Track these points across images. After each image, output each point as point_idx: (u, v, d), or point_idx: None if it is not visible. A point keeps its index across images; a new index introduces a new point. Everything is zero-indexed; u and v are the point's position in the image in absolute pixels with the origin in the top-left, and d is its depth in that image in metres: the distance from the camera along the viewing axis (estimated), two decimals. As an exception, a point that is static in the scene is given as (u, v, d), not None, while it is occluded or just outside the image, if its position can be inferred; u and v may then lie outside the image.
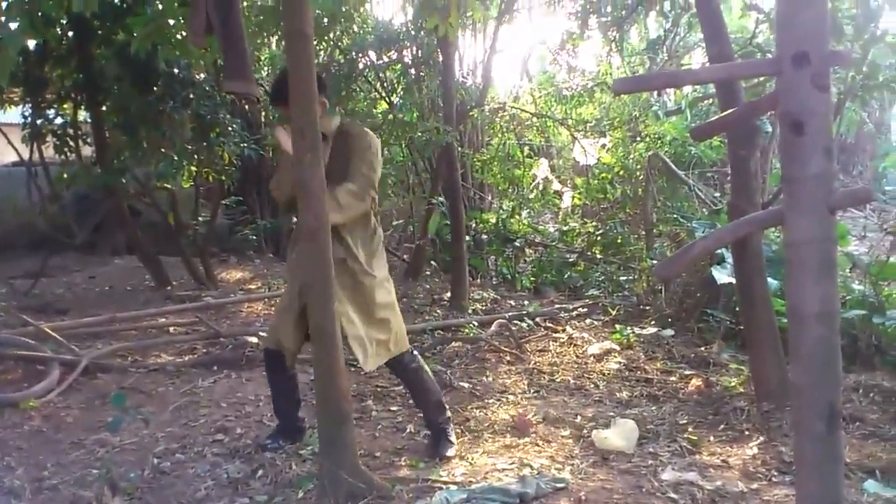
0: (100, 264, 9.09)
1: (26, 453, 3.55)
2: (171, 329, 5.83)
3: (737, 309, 5.14)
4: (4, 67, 2.93)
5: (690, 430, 3.80)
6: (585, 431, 3.81)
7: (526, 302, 7.01)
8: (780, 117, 1.78)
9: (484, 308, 6.79)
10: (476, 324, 5.86)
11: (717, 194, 8.04)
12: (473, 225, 8.60)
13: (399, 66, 8.54)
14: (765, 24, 6.40)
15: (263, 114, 9.85)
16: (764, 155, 6.37)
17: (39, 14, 3.16)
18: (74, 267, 8.84)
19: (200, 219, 8.39)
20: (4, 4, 3.13)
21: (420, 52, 8.30)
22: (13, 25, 2.94)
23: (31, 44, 6.25)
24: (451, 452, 3.51)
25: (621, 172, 8.52)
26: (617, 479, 3.23)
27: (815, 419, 1.69)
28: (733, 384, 4.44)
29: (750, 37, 6.55)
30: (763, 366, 4.02)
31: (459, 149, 8.02)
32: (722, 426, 3.85)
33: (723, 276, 5.19)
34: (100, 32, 6.69)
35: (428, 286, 7.61)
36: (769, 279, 4.26)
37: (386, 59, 8.48)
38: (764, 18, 6.14)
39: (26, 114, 7.17)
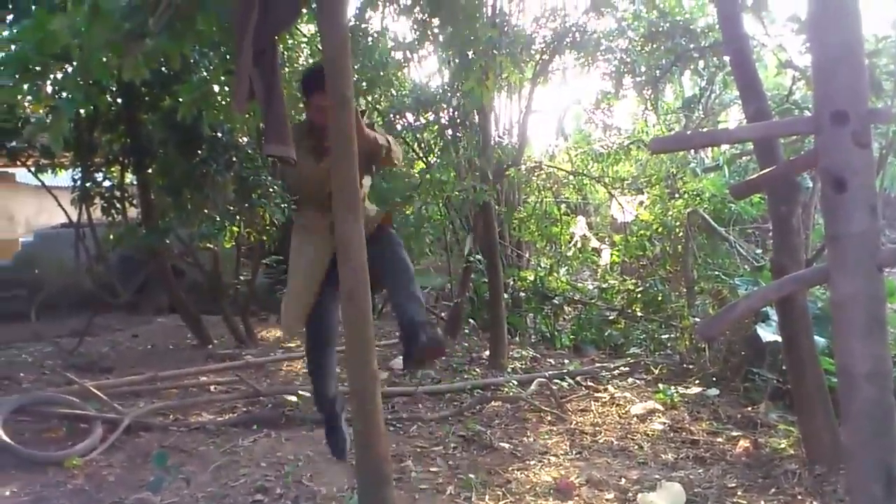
0: (143, 323, 9.25)
1: (69, 512, 3.57)
2: (212, 388, 5.87)
3: (783, 367, 5.01)
4: (58, 134, 3.05)
5: (740, 493, 3.69)
6: (630, 495, 3.71)
7: (566, 360, 6.94)
8: (821, 175, 1.77)
9: (523, 367, 6.73)
10: (516, 383, 5.80)
11: (759, 251, 7.94)
12: (511, 283, 8.59)
13: (436, 126, 8.69)
14: (801, 81, 6.40)
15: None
16: (806, 210, 6.30)
17: (91, 83, 3.28)
18: (118, 326, 9.01)
19: (241, 278, 8.51)
20: (59, 74, 3.29)
21: (457, 112, 8.45)
22: (67, 94, 3.08)
23: (82, 110, 6.50)
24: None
25: (660, 229, 8.48)
26: (663, 544, 3.13)
27: (871, 483, 1.63)
28: (783, 446, 4.30)
29: (787, 94, 6.55)
30: (814, 427, 3.90)
31: (496, 207, 8.08)
32: (773, 490, 3.72)
33: (768, 333, 5.08)
34: (147, 99, 6.94)
35: (466, 344, 7.57)
36: (816, 337, 4.16)
37: (423, 121, 8.64)
38: (800, 76, 6.14)
39: (76, 177, 7.42)
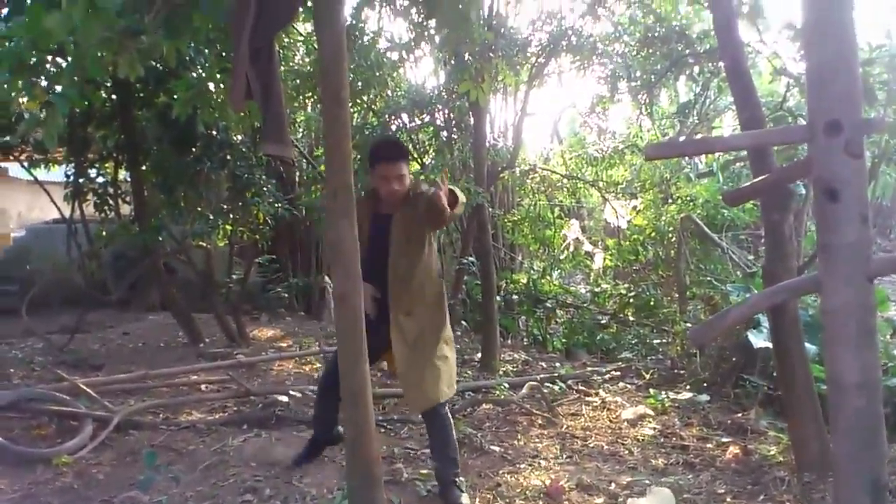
0: (134, 320, 9.22)
1: (57, 510, 3.56)
2: (203, 387, 5.84)
3: (774, 374, 5.03)
4: (52, 130, 3.04)
5: (729, 500, 3.69)
6: (620, 499, 3.72)
7: (557, 364, 6.94)
8: (814, 184, 1.78)
9: (515, 370, 6.73)
10: (507, 386, 5.81)
11: (751, 257, 7.97)
12: (504, 285, 8.60)
13: (431, 128, 8.70)
14: (795, 88, 6.42)
15: (298, 174, 10.06)
16: (798, 218, 6.32)
17: (86, 79, 3.27)
18: (109, 323, 8.97)
19: (234, 277, 8.50)
20: (54, 71, 3.28)
21: (452, 114, 8.46)
22: (61, 89, 3.08)
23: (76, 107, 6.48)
24: (465, 500, 3.57)
25: (653, 234, 8.51)
26: (652, 550, 3.14)
27: (859, 493, 1.64)
28: (772, 453, 4.31)
29: (781, 101, 6.57)
30: (803, 435, 3.91)
31: (490, 210, 8.09)
32: (761, 497, 3.73)
33: (759, 340, 5.10)
34: (142, 95, 6.92)
35: (458, 346, 7.56)
36: (807, 344, 4.18)
37: (418, 122, 8.65)
38: (794, 83, 6.17)
39: (69, 172, 7.40)
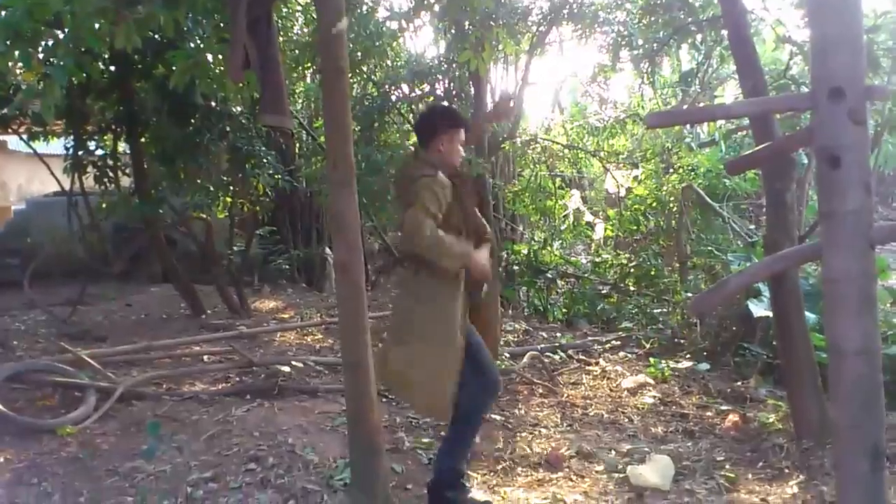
0: (136, 292, 9.24)
1: (63, 479, 3.59)
2: (206, 357, 5.88)
3: (774, 343, 5.05)
4: (50, 102, 3.02)
5: (728, 467, 3.73)
6: (620, 467, 3.75)
7: (558, 334, 6.97)
8: (816, 152, 1.77)
9: (516, 340, 6.76)
10: (508, 355, 5.83)
11: (753, 226, 7.96)
12: (505, 256, 8.60)
13: (431, 98, 8.64)
14: (798, 56, 6.36)
15: (298, 145, 10.02)
16: (800, 187, 6.30)
17: (83, 50, 3.24)
18: (111, 295, 8.99)
19: (235, 248, 8.50)
20: (51, 42, 3.25)
21: (452, 84, 8.40)
22: (58, 60, 3.05)
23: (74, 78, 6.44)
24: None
25: (654, 204, 8.49)
26: (652, 516, 3.18)
27: (858, 459, 1.66)
28: (771, 420, 4.35)
29: (784, 69, 6.51)
30: (802, 402, 3.94)
31: (491, 180, 8.06)
32: (760, 464, 3.77)
33: (759, 309, 5.11)
34: (140, 66, 6.86)
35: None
36: (807, 313, 4.19)
37: (418, 92, 8.59)
38: (797, 51, 6.11)
39: (68, 145, 7.35)
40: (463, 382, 3.24)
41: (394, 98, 8.57)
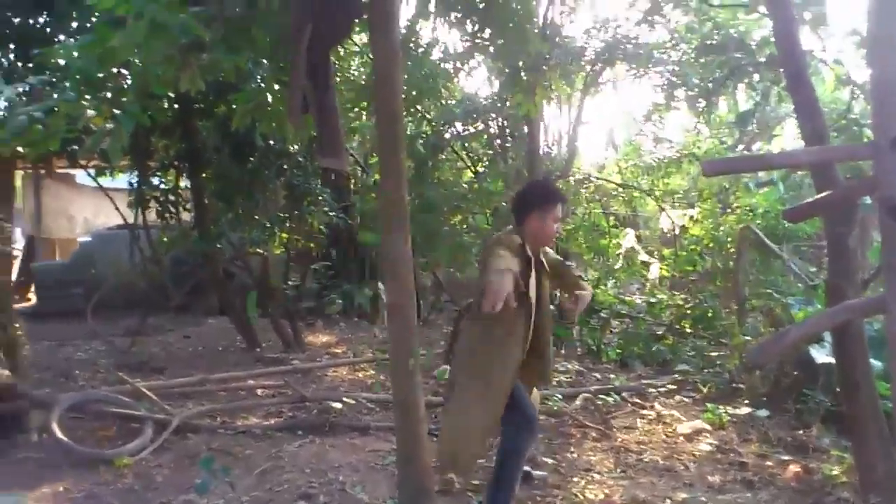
0: (193, 325, 9.45)
1: (118, 511, 3.66)
2: (259, 391, 5.96)
3: (837, 390, 4.87)
4: (117, 145, 3.14)
5: (788, 520, 3.59)
6: (674, 517, 3.65)
7: (612, 375, 6.86)
8: (878, 202, 1.73)
9: (569, 380, 6.67)
10: (560, 397, 5.76)
11: (814, 269, 7.75)
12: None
13: (485, 136, 8.72)
14: (861, 96, 6.23)
15: (353, 182, 10.18)
16: (864, 229, 6.12)
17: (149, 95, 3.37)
18: (169, 326, 9.21)
19: (290, 283, 8.64)
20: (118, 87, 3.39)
21: (506, 122, 8.46)
22: (125, 107, 3.17)
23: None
24: None
25: (711, 244, 8.34)
26: (708, 570, 3.07)
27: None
28: (835, 472, 4.17)
29: (845, 109, 6.38)
30: (868, 454, 3.77)
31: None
32: (823, 518, 3.62)
33: (821, 355, 4.95)
34: (202, 106, 7.10)
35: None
36: (872, 360, 4.03)
37: (472, 130, 8.67)
38: (859, 91, 5.98)
39: (132, 180, 7.62)
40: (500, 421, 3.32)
41: (448, 136, 8.67)
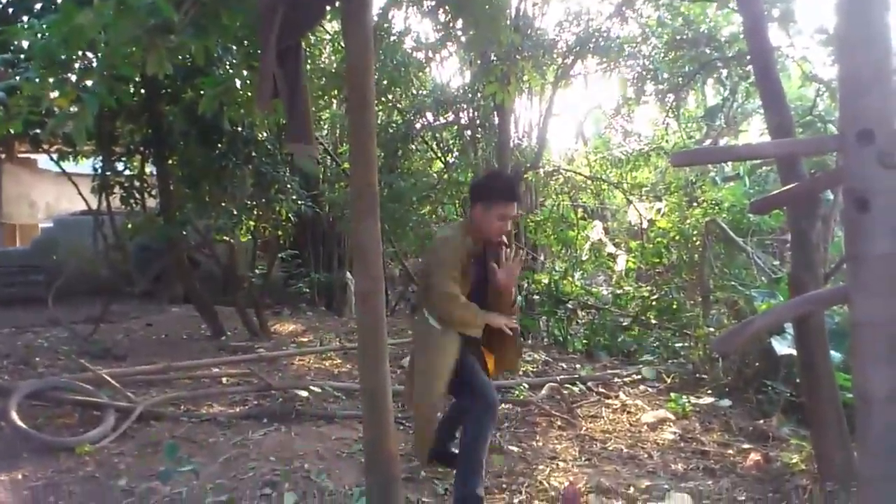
0: (158, 312, 9.33)
1: (79, 498, 3.60)
2: (224, 379, 5.90)
3: (797, 381, 4.97)
4: (81, 127, 3.07)
5: (749, 507, 3.66)
6: (638, 504, 3.70)
7: (578, 365, 6.92)
8: (844, 194, 1.76)
9: (535, 370, 6.72)
10: (527, 386, 5.79)
11: (777, 262, 7.88)
12: (526, 285, 8.58)
13: (455, 127, 8.71)
14: (825, 93, 6.35)
15: (322, 171, 10.11)
16: (825, 223, 6.24)
17: (115, 76, 3.31)
18: (133, 314, 9.09)
19: (257, 271, 8.56)
20: (83, 67, 3.31)
21: (476, 113, 8.45)
22: (91, 85, 3.11)
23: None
24: None
25: (677, 237, 8.44)
26: (670, 556, 3.12)
27: (885, 508, 1.62)
28: (794, 461, 4.27)
29: (811, 106, 6.50)
30: (827, 443, 3.85)
31: (513, 209, 8.06)
32: (782, 505, 3.69)
33: (783, 346, 5.04)
34: (169, 91, 6.99)
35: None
36: (832, 352, 4.11)
37: (443, 120, 8.66)
38: (824, 89, 6.09)
39: (97, 165, 7.48)
40: (463, 408, 3.64)
41: (418, 126, 8.64)
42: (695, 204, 8.70)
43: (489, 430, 3.53)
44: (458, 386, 3.56)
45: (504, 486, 3.95)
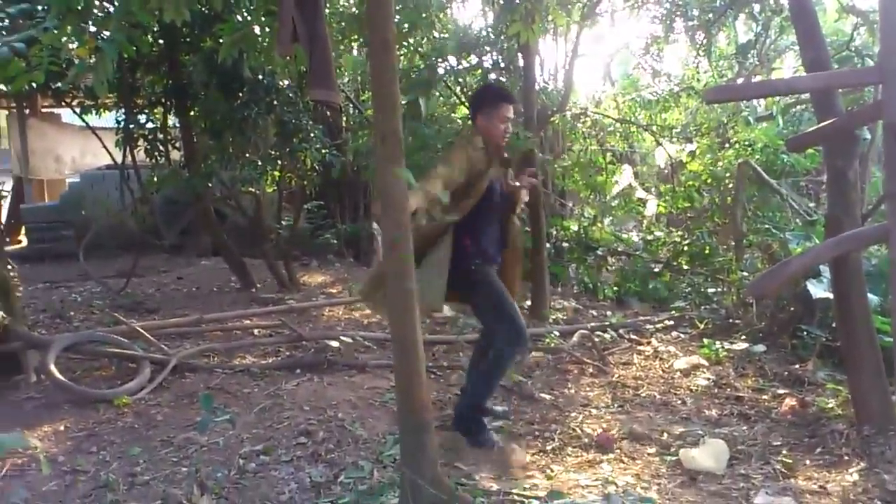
0: (186, 265, 9.41)
1: (120, 448, 3.67)
2: (256, 331, 5.95)
3: (833, 325, 4.88)
4: (101, 76, 3.03)
5: (784, 452, 3.62)
6: (673, 450, 3.67)
7: (608, 312, 6.87)
8: (884, 128, 1.67)
9: (565, 318, 6.68)
10: (557, 334, 5.76)
11: (812, 204, 7.71)
12: (554, 232, 8.49)
13: (479, 70, 8.52)
14: (863, 27, 6.09)
15: (345, 119, 10.01)
16: (863, 163, 6.06)
17: (133, 24, 3.25)
18: (162, 267, 9.17)
19: (283, 222, 8.56)
20: (101, 16, 3.25)
21: (500, 56, 8.26)
22: (109, 34, 3.05)
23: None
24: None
25: (709, 180, 8.27)
26: (706, 501, 3.11)
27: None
28: (830, 405, 4.21)
29: (847, 40, 6.24)
30: (863, 387, 3.79)
31: (540, 154, 7.94)
32: (819, 450, 3.65)
33: (819, 290, 4.93)
34: (188, 40, 6.90)
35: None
36: (869, 295, 4.02)
37: (466, 64, 8.47)
38: (862, 22, 5.84)
39: (120, 118, 7.45)
40: (490, 330, 3.76)
41: (441, 70, 8.46)
42: (727, 145, 8.50)
43: (513, 357, 3.77)
44: (486, 310, 3.72)
45: (537, 433, 3.95)
